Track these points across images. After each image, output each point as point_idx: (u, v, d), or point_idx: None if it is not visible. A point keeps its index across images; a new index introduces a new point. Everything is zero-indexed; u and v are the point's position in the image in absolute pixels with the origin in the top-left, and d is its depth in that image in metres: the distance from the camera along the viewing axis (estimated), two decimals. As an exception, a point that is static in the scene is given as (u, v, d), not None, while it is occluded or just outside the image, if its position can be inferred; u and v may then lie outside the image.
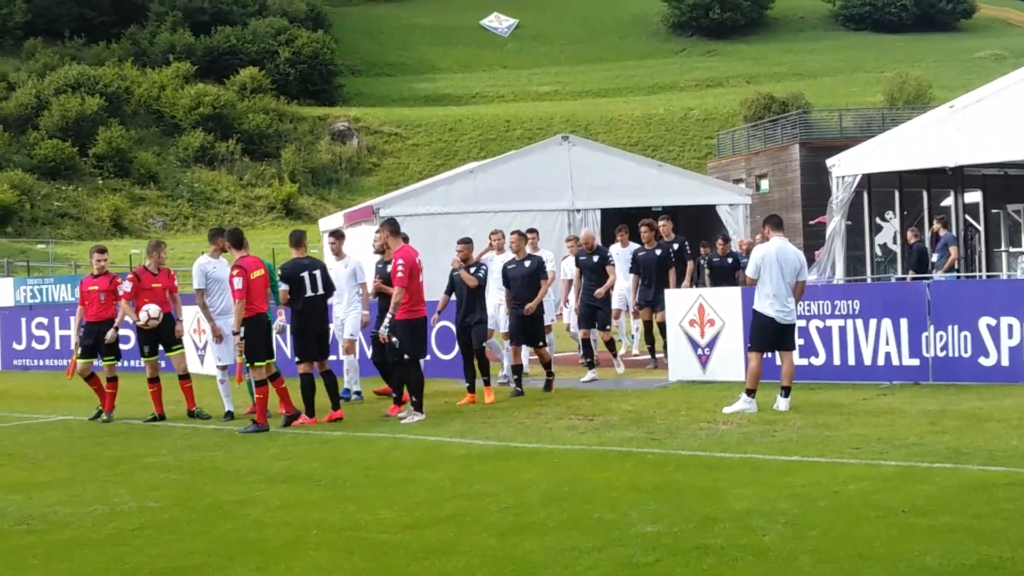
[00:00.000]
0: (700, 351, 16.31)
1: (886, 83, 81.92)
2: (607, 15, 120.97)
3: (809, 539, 7.35)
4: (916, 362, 14.83)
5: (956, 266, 22.88)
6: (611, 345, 17.81)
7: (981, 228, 32.00)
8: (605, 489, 9.16)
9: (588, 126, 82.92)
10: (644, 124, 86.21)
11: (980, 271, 30.15)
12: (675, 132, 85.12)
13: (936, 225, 24.23)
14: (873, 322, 15.06)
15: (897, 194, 31.10)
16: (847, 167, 26.78)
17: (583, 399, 15.10)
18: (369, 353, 16.78)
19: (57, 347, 24.18)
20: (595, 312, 17.46)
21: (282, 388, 13.95)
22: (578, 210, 31.82)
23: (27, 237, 64.66)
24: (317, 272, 14.22)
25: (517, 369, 16.21)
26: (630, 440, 11.59)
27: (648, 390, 15.81)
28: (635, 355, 20.61)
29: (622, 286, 19.72)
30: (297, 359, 14.36)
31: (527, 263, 16.04)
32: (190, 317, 18.51)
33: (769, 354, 13.76)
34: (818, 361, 15.44)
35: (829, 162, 27.45)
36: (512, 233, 16.54)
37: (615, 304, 20.02)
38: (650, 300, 18.47)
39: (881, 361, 15.04)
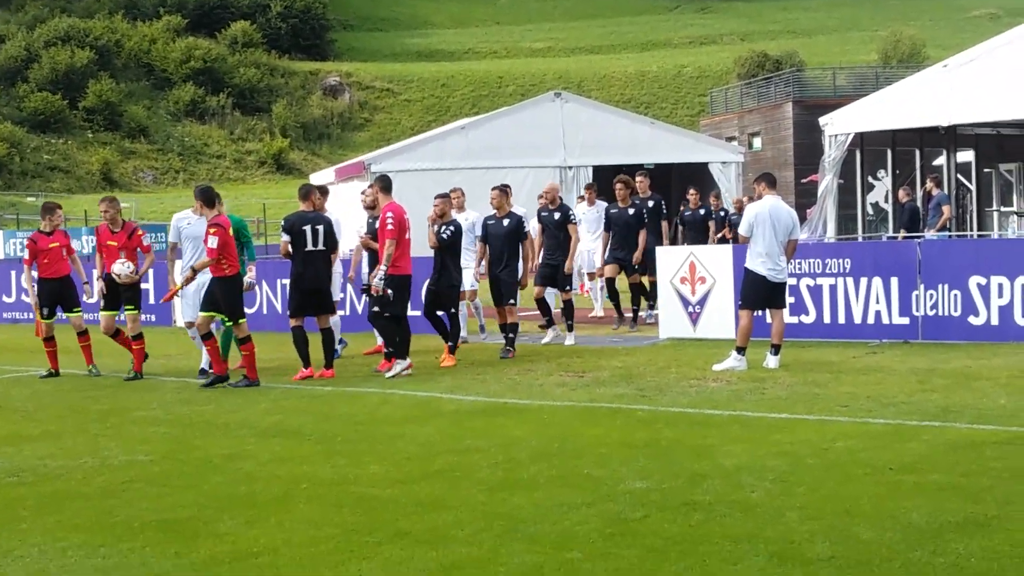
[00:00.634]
0: (691, 308, 16.33)
1: (880, 41, 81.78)
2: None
3: (797, 496, 7.38)
4: (906, 321, 14.87)
5: (948, 225, 22.88)
6: (568, 306, 16.69)
7: (973, 187, 32.03)
8: (595, 445, 9.18)
9: (581, 83, 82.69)
10: (637, 81, 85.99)
11: (971, 230, 30.22)
12: (668, 89, 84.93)
13: (929, 184, 24.23)
14: (864, 280, 15.09)
15: (890, 153, 31.11)
16: (840, 125, 26.77)
17: (573, 356, 15.12)
18: (360, 309, 16.74)
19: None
20: (555, 271, 16.58)
21: (215, 347, 13.85)
22: (570, 167, 31.79)
23: (16, 190, 64.47)
24: (320, 227, 14.03)
25: (512, 328, 15.65)
26: (620, 397, 11.61)
27: (638, 347, 15.83)
28: (598, 315, 20.17)
29: (587, 247, 19.50)
30: (289, 313, 14.26)
31: (506, 221, 15.80)
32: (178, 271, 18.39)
33: (760, 312, 13.77)
34: (808, 319, 15.48)
35: (822, 120, 27.43)
36: (493, 189, 16.26)
37: (585, 267, 19.95)
38: (619, 258, 17.85)
39: (871, 319, 15.08)
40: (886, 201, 32.02)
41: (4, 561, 6.66)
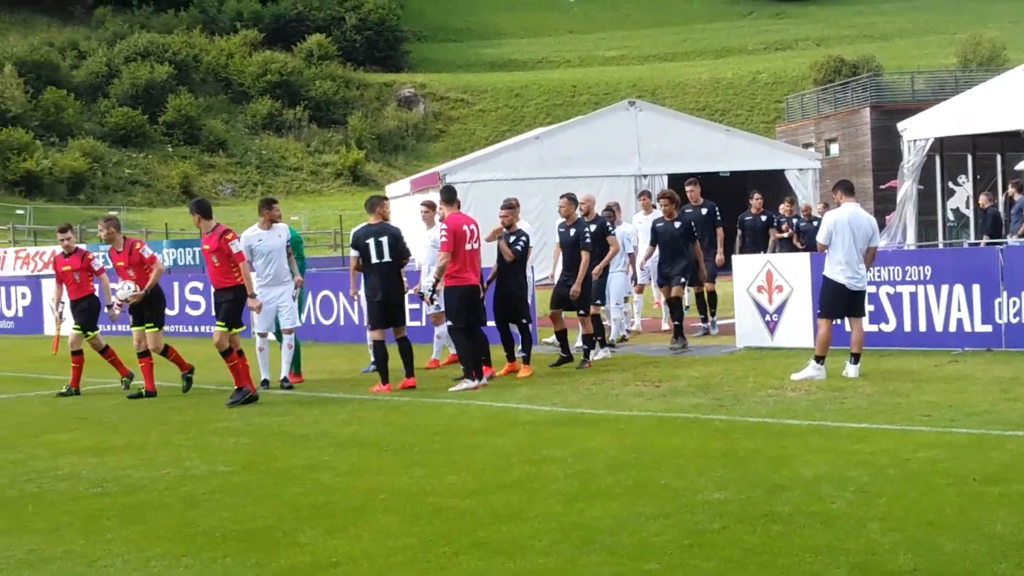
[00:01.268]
0: (768, 317, 16.20)
1: (959, 45, 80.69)
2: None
3: (878, 507, 7.29)
4: (988, 328, 14.62)
5: (1031, 231, 22.49)
6: (596, 322, 15.89)
7: (1056, 192, 31.42)
8: (672, 456, 9.14)
9: (655, 91, 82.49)
10: (712, 88, 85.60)
11: (1055, 236, 29.62)
12: (743, 96, 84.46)
13: (1011, 189, 23.84)
14: (945, 288, 14.87)
15: (970, 158, 30.71)
16: (919, 131, 26.47)
17: (650, 366, 15.07)
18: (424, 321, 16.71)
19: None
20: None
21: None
22: (645, 176, 31.73)
23: (99, 204, 65.57)
24: (384, 239, 14.02)
25: (561, 335, 15.56)
26: (697, 407, 11.55)
27: (715, 356, 15.73)
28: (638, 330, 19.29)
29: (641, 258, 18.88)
30: (369, 326, 14.35)
31: (573, 230, 15.47)
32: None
33: (839, 320, 13.63)
34: (888, 327, 15.28)
35: (900, 126, 27.15)
36: (561, 197, 15.82)
37: (640, 279, 19.39)
38: (668, 276, 16.80)
39: (953, 327, 14.85)
40: (967, 207, 31.64)
41: (89, 571, 6.76)
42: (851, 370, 13.05)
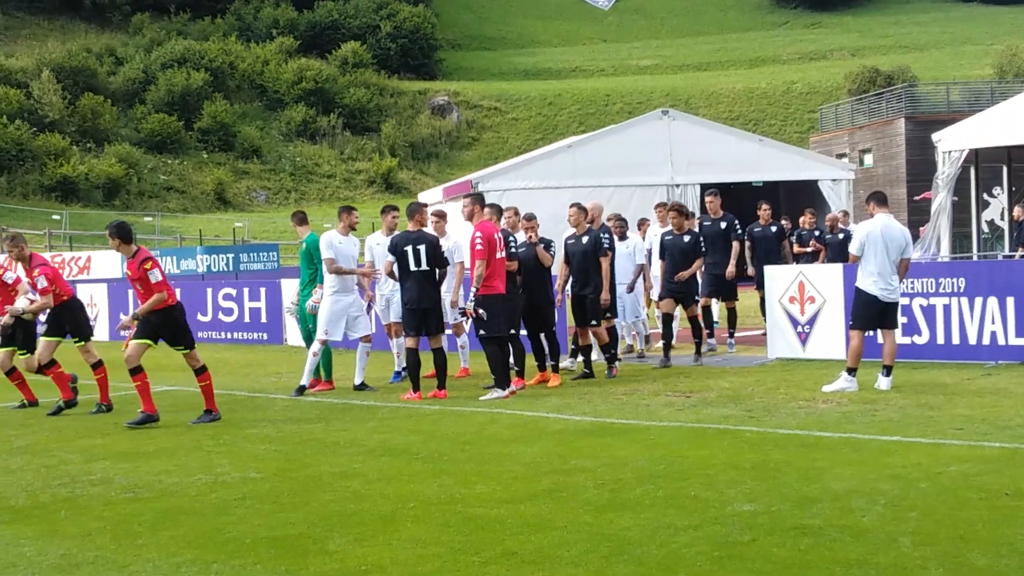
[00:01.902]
0: (800, 328, 16.15)
1: (995, 56, 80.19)
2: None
3: (909, 521, 7.25)
4: (1023, 341, 14.53)
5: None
6: (611, 334, 15.81)
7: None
8: (702, 467, 9.12)
9: (688, 100, 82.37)
10: (745, 98, 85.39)
11: (1091, 249, 29.40)
12: (777, 106, 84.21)
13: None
14: (979, 300, 14.78)
15: (1005, 169, 30.50)
16: (954, 142, 26.31)
17: (680, 376, 15.05)
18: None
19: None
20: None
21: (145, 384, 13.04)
22: (677, 185, 31.66)
23: (134, 210, 65.97)
24: (422, 247, 14.01)
25: (586, 351, 15.60)
26: (728, 418, 11.53)
27: (746, 367, 15.70)
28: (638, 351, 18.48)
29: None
30: (404, 334, 14.38)
31: (585, 238, 15.34)
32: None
33: (871, 332, 13.57)
34: (921, 340, 15.21)
35: (935, 137, 27.00)
36: (571, 207, 15.60)
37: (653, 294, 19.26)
38: (674, 291, 16.43)
39: (986, 340, 14.76)
40: (1002, 219, 31.41)
41: None
42: (883, 382, 12.99)
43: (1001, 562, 6.36)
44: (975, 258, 28.04)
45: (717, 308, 19.31)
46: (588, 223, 15.58)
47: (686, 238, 16.43)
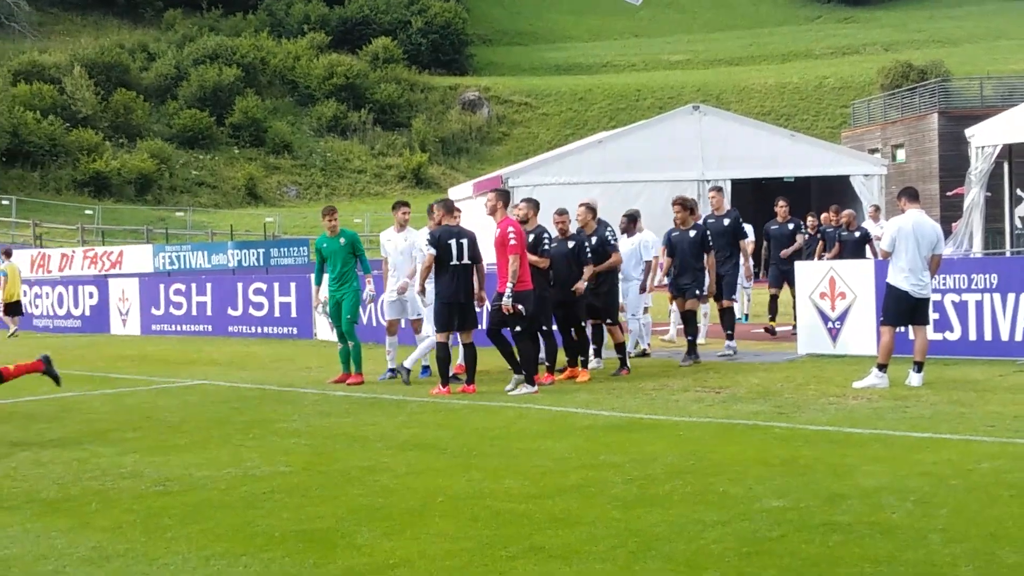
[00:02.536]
0: (830, 324, 16.07)
1: (1030, 50, 79.47)
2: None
3: (939, 518, 7.21)
4: (1056, 338, 14.42)
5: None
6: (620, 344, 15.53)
7: None
8: (731, 463, 9.09)
9: (720, 95, 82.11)
10: (777, 93, 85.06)
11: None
12: (809, 101, 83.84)
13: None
14: (1011, 296, 14.68)
15: (1039, 165, 30.24)
16: (987, 137, 26.15)
17: (710, 372, 15.00)
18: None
19: (194, 313, 24.79)
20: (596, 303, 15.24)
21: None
22: (708, 180, 31.54)
23: (166, 205, 66.36)
24: (464, 241, 13.99)
25: (619, 348, 15.47)
26: (757, 414, 11.49)
27: (776, 363, 15.64)
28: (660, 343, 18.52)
29: None
30: (436, 328, 14.30)
31: (593, 238, 15.21)
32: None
33: (902, 328, 13.50)
34: (953, 336, 15.11)
35: (968, 132, 26.84)
36: (580, 206, 15.48)
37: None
38: (683, 287, 16.07)
39: (1019, 336, 14.65)
40: (1036, 214, 31.14)
41: (150, 569, 6.84)
42: (914, 379, 12.92)
43: (1032, 560, 6.32)
44: (1008, 254, 27.85)
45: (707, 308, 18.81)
46: (582, 227, 15.46)
47: (692, 233, 16.03)
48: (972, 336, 14.99)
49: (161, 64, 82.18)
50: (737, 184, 32.88)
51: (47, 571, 6.86)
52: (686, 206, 16.17)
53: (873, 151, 50.99)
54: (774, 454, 9.38)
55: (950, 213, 39.59)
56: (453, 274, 13.92)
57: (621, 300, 16.19)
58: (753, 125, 37.09)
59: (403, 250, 15.79)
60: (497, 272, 13.99)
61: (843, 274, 16.07)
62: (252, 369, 17.62)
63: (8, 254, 28.23)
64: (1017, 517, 7.16)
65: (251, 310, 23.81)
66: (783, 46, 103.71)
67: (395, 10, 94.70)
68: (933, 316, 14.04)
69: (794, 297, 18.69)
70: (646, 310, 17.87)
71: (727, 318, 16.78)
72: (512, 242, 13.55)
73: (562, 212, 15.17)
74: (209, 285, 25.04)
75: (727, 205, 19.22)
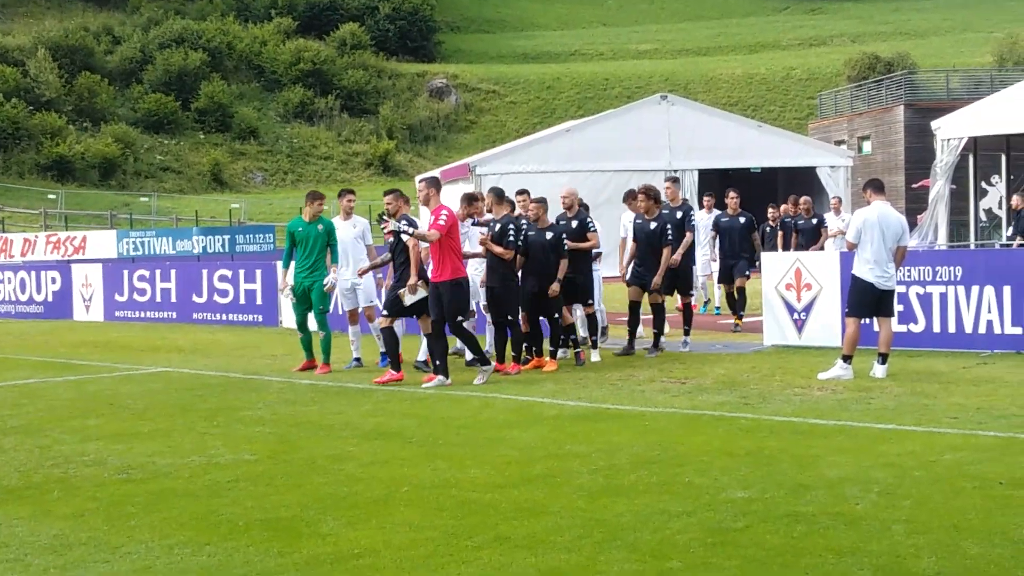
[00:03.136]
0: (796, 315, 16.13)
1: (996, 44, 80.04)
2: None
3: (903, 509, 7.25)
4: (1019, 331, 14.51)
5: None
6: (592, 320, 15.69)
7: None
8: (696, 453, 9.12)
9: (688, 85, 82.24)
10: (745, 83, 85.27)
11: (1088, 238, 29.40)
12: (776, 92, 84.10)
13: (1042, 191, 23.64)
14: (975, 289, 14.76)
15: (1004, 158, 30.49)
16: (953, 129, 26.29)
17: (676, 362, 15.03)
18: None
19: (158, 299, 24.64)
20: (573, 285, 15.15)
21: None
22: (675, 170, 31.59)
23: (130, 190, 65.88)
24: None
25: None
26: (723, 404, 11.52)
27: (742, 354, 15.69)
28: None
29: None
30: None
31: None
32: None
33: (867, 320, 13.56)
34: (917, 328, 15.19)
35: (934, 124, 26.97)
36: (532, 202, 15.16)
37: (701, 270, 19.19)
38: (642, 277, 15.80)
39: (983, 329, 14.75)
40: (999, 207, 31.42)
41: (112, 557, 6.80)
42: (879, 370, 12.98)
43: (994, 551, 6.36)
44: (972, 246, 28.03)
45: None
46: (566, 210, 15.57)
47: (652, 224, 15.77)
48: (936, 328, 15.07)
49: (126, 48, 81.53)
50: (704, 174, 32.96)
51: (8, 559, 6.80)
52: (650, 195, 15.90)
53: (839, 142, 51.20)
54: (739, 445, 9.41)
55: (915, 205, 39.81)
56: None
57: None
58: (721, 115, 37.19)
59: (353, 237, 15.79)
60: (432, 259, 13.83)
61: (809, 265, 16.12)
62: (216, 356, 17.53)
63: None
64: (980, 509, 7.20)
65: (216, 297, 23.67)
66: (751, 36, 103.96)
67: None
68: (898, 308, 14.11)
69: (741, 291, 18.76)
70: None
71: (687, 313, 16.60)
72: (441, 222, 13.34)
73: (539, 201, 15.10)
74: (173, 271, 24.87)
75: (685, 196, 19.21)
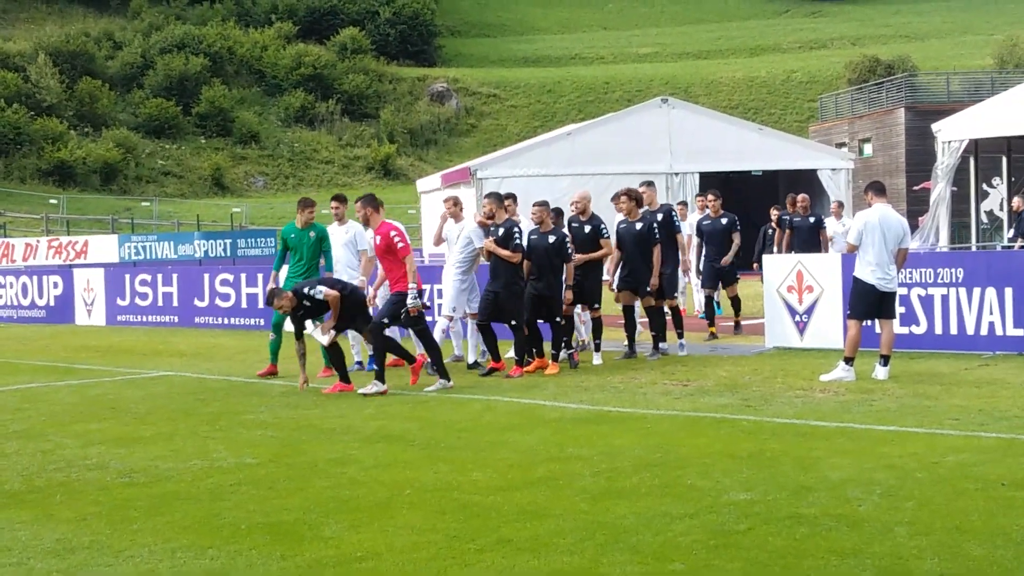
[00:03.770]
0: (798, 318, 16.13)
1: (996, 46, 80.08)
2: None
3: (905, 511, 7.25)
4: (1020, 332, 14.52)
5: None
6: (596, 324, 15.61)
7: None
8: (698, 456, 9.11)
9: (688, 88, 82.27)
10: (745, 86, 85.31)
11: (1090, 240, 29.40)
12: (777, 95, 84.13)
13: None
14: (977, 291, 14.77)
15: (1005, 160, 30.48)
16: (953, 132, 26.27)
17: (678, 364, 15.03)
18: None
19: (160, 304, 24.64)
20: (581, 288, 15.22)
21: None
22: (676, 174, 31.54)
23: (131, 194, 65.92)
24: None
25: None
26: (725, 407, 11.52)
27: (744, 356, 15.68)
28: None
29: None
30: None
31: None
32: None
33: (869, 322, 13.56)
34: (919, 330, 15.19)
35: (935, 127, 26.95)
36: (535, 205, 15.15)
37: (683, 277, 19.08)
38: (631, 282, 15.71)
39: (984, 331, 14.75)
40: (1001, 209, 31.42)
41: (116, 561, 6.80)
42: (880, 372, 12.98)
43: (997, 552, 6.36)
44: (974, 248, 28.03)
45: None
46: (579, 214, 15.57)
47: (638, 225, 15.61)
48: (938, 330, 15.08)
49: (127, 53, 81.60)
50: (705, 177, 32.94)
51: (10, 563, 6.81)
52: (632, 197, 15.77)
53: (840, 145, 51.19)
54: (741, 447, 9.41)
55: (916, 207, 39.81)
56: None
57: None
58: (721, 119, 37.09)
59: (345, 242, 15.78)
60: (385, 275, 13.83)
61: (811, 267, 16.13)
62: (218, 360, 17.53)
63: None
64: (982, 510, 7.20)
65: (218, 301, 23.67)
66: (751, 40, 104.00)
67: (363, 0, 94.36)
68: (899, 310, 14.11)
69: (735, 297, 18.68)
70: None
71: (675, 316, 16.45)
72: (400, 244, 13.35)
73: (542, 204, 15.08)
74: (175, 276, 24.88)
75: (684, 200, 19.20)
